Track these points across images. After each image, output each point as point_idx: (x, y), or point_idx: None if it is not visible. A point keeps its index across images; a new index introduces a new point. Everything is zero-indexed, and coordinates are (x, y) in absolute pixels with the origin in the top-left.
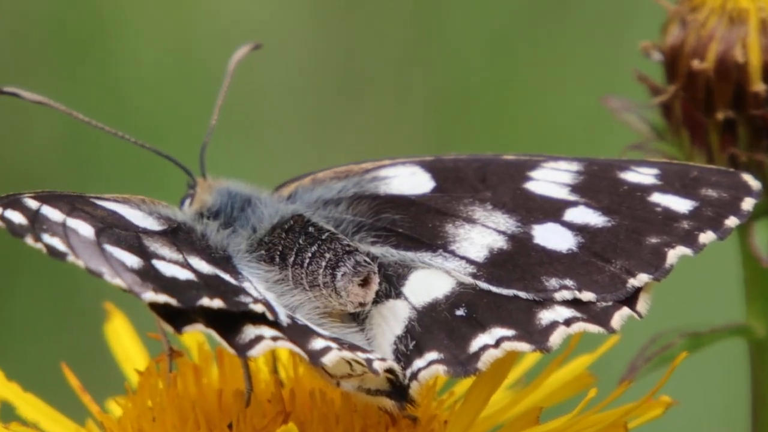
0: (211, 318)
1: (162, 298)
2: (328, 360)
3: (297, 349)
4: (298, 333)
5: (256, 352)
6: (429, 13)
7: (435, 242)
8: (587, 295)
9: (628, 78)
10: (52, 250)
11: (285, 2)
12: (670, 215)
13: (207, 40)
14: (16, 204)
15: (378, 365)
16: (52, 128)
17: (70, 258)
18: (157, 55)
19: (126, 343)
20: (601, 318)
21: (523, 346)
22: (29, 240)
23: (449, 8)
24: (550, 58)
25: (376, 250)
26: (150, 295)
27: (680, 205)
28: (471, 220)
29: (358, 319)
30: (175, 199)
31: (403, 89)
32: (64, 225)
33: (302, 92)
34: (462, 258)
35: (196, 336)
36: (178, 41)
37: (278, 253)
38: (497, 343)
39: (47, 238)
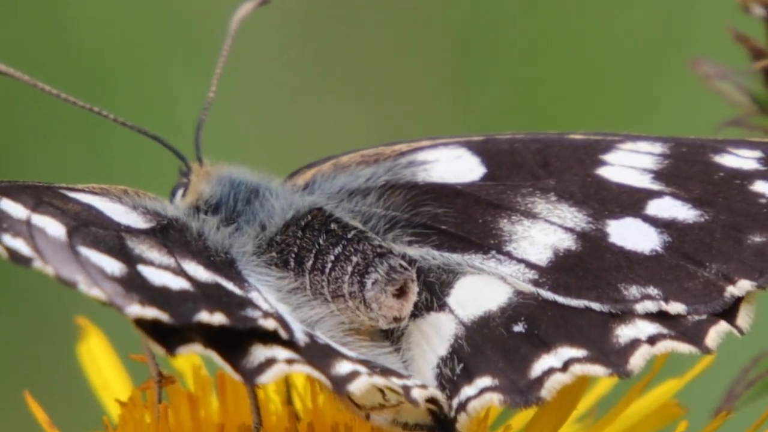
0: (211, 336)
1: (150, 312)
2: (355, 388)
3: (317, 374)
4: (318, 354)
5: (266, 378)
6: None
7: (487, 242)
8: (676, 307)
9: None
10: (14, 255)
11: None
12: None
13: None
14: None
15: (417, 393)
16: None
17: (37, 264)
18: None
19: (104, 367)
20: (693, 335)
21: (597, 370)
22: None
23: None
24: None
25: (415, 251)
26: (136, 309)
27: None
28: (531, 215)
29: (392, 337)
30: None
31: (418, 18)
32: (28, 223)
33: (298, 26)
34: (520, 261)
35: (191, 358)
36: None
37: (293, 255)
38: (565, 366)
39: (8, 239)
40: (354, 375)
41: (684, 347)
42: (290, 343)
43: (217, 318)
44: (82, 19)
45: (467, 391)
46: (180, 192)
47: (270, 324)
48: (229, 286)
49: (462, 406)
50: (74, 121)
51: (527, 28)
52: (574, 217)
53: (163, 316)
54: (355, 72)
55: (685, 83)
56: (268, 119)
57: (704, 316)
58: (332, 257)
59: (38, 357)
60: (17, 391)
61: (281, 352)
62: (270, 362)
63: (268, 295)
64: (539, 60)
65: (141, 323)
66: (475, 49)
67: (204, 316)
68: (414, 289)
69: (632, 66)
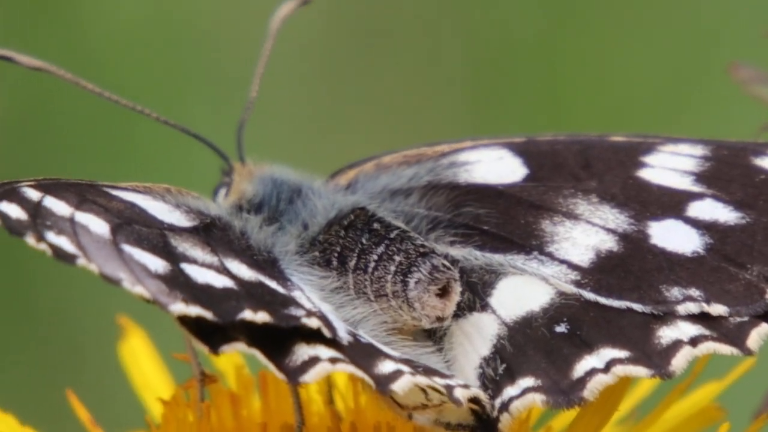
0: (254, 335)
1: (194, 310)
2: (398, 387)
3: (360, 374)
4: (361, 353)
5: (310, 377)
6: None
7: (529, 242)
8: (717, 308)
9: (722, 38)
10: (58, 252)
11: None
12: None
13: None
14: (12, 194)
15: (460, 393)
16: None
17: (81, 261)
18: (131, 8)
19: (146, 367)
20: (735, 336)
21: (639, 371)
22: (30, 239)
23: None
24: (614, 8)
25: (457, 251)
26: (179, 307)
27: None
28: (573, 216)
29: (434, 336)
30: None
31: (434, 48)
32: (72, 220)
33: (316, 55)
34: (562, 262)
35: (233, 358)
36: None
37: (336, 255)
38: (607, 367)
39: (52, 236)
40: (397, 374)
41: (725, 349)
42: (333, 342)
43: (261, 316)
44: (101, 37)
45: (510, 391)
46: (222, 191)
47: (313, 322)
48: (273, 284)
49: (505, 406)
50: (99, 123)
51: (546, 59)
52: (615, 218)
53: (206, 314)
54: (372, 103)
55: (717, 108)
56: (288, 149)
57: (746, 318)
58: (375, 256)
59: (82, 357)
60: (61, 390)
61: (325, 351)
62: (313, 361)
63: (311, 294)
64: (558, 90)
65: (184, 321)
66: (492, 81)
67: (248, 315)
68: (457, 288)
69: (656, 99)
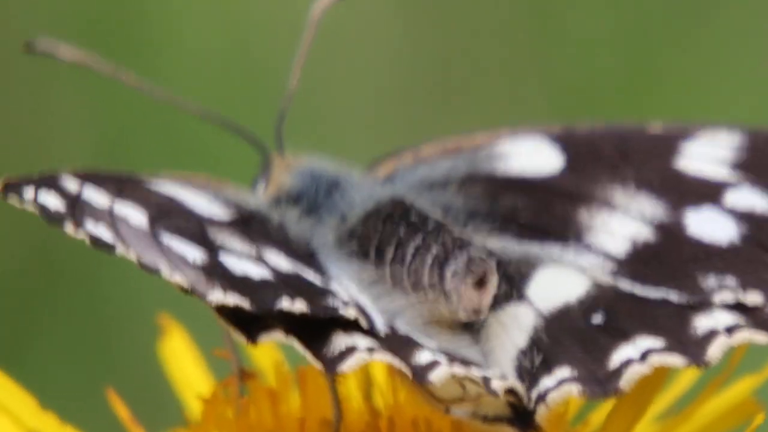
0: (292, 325)
1: (232, 299)
2: (436, 377)
3: (398, 363)
4: (399, 344)
5: (348, 366)
6: (544, 6)
7: (566, 233)
8: (754, 297)
9: None
10: (96, 241)
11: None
12: None
13: (263, 36)
14: (51, 184)
15: (497, 385)
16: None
17: (120, 250)
18: (208, 53)
19: (186, 364)
20: None
21: (675, 360)
22: (69, 228)
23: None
24: (695, 57)
25: (494, 243)
26: (218, 296)
27: None
28: (610, 206)
29: (471, 328)
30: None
31: (515, 98)
32: (110, 211)
33: (391, 99)
34: (600, 252)
35: (272, 354)
36: (232, 38)
37: (374, 247)
38: (643, 357)
39: (90, 226)
40: (434, 364)
41: (762, 337)
42: (371, 333)
43: (298, 306)
44: (178, 78)
45: (546, 382)
46: (261, 184)
47: (351, 313)
48: (310, 276)
49: (541, 398)
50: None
51: (630, 103)
52: (652, 208)
53: (244, 303)
54: None
55: None
56: None
57: None
58: (412, 248)
59: (120, 355)
60: (98, 387)
61: (362, 341)
62: (351, 350)
63: (348, 286)
64: None
65: (222, 311)
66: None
67: (285, 304)
68: (493, 280)
69: None
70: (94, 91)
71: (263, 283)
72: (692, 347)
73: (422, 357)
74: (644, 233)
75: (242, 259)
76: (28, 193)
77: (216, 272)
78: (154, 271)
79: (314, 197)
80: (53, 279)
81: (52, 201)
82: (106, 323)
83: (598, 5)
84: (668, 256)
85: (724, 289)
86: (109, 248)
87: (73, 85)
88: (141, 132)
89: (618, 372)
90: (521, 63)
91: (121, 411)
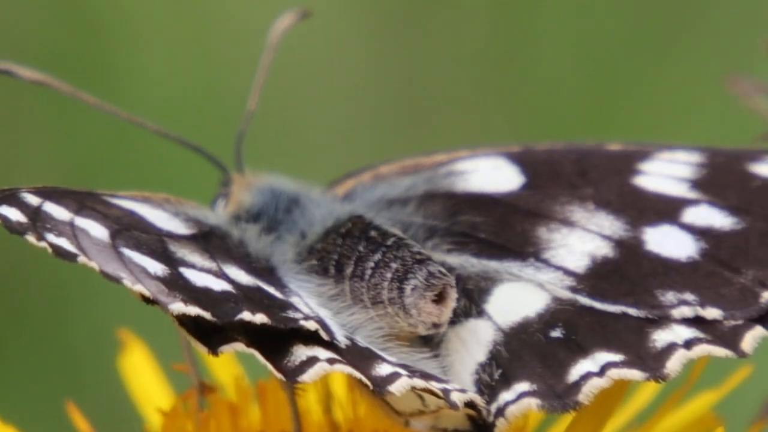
0: (253, 336)
1: (193, 310)
2: (396, 389)
3: (358, 375)
4: (359, 356)
5: (308, 376)
6: (508, 30)
7: (525, 250)
8: (712, 312)
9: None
10: (59, 250)
11: (331, 17)
12: None
13: (230, 60)
14: (12, 199)
15: (457, 397)
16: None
17: (81, 259)
18: (171, 78)
19: (146, 379)
20: (730, 339)
21: (633, 374)
22: (31, 238)
23: (535, 26)
24: (661, 85)
25: (453, 259)
26: (179, 306)
27: None
28: (569, 223)
29: (431, 343)
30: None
31: (483, 126)
32: (72, 224)
33: (358, 125)
34: (558, 268)
35: (231, 368)
36: (196, 63)
37: (333, 262)
38: (602, 371)
39: (52, 238)
40: (394, 376)
41: (720, 351)
42: (331, 345)
43: (259, 317)
44: (140, 105)
45: (505, 396)
46: (221, 201)
47: (311, 325)
48: (270, 290)
49: (500, 411)
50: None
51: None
52: (611, 225)
53: (205, 314)
54: None
55: None
56: None
57: (740, 321)
58: (372, 264)
59: (78, 369)
60: (62, 406)
61: (323, 352)
62: (311, 361)
63: (308, 301)
64: None
65: (183, 322)
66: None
67: (246, 315)
68: (453, 295)
69: None
70: (58, 118)
71: (224, 294)
72: (651, 361)
73: (382, 369)
74: (603, 249)
75: (203, 273)
76: None
77: (177, 285)
78: (116, 280)
79: (274, 214)
80: (18, 302)
81: (13, 214)
82: (70, 344)
83: (566, 38)
84: (627, 271)
85: (683, 304)
86: (71, 257)
87: (38, 111)
88: (106, 158)
89: (577, 386)
90: (488, 90)
91: (81, 425)
